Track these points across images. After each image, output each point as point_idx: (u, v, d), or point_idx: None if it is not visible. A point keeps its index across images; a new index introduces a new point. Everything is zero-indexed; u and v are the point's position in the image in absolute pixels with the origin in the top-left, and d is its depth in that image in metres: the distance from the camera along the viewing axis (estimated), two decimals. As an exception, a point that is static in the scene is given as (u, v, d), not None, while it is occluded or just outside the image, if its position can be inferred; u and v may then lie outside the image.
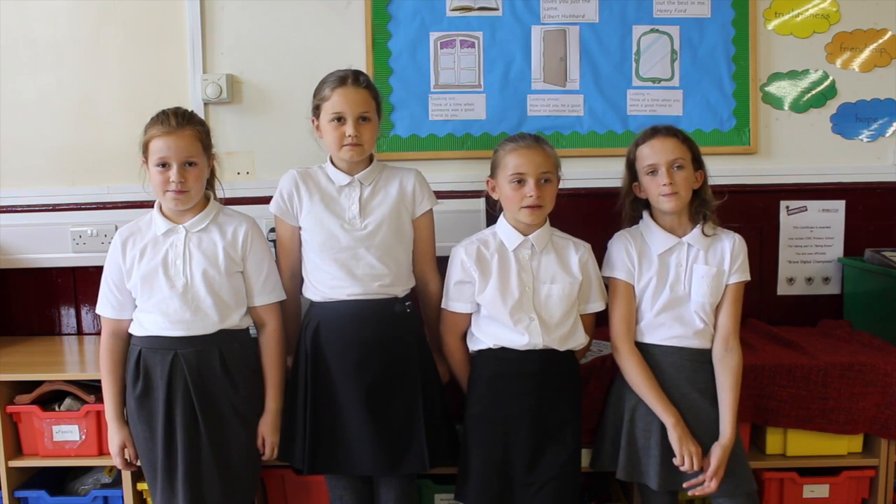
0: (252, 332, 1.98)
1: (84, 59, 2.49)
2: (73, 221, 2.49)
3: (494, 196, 1.94)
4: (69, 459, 2.14)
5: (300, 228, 1.95)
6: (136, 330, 1.87)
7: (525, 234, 1.89)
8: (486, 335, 1.89)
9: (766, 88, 2.52)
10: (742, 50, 2.49)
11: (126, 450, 1.89)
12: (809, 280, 2.56)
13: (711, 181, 1.97)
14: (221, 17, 2.47)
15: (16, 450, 2.15)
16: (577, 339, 1.90)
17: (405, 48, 2.48)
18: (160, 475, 1.83)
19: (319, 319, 1.90)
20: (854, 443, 2.11)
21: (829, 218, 2.54)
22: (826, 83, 2.51)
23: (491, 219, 2.02)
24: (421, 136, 2.51)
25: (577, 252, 1.91)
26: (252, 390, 1.91)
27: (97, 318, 2.21)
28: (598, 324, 2.00)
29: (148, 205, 1.95)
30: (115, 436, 1.89)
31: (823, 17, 2.50)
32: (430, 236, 2.01)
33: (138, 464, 1.91)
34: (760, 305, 2.54)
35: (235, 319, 1.88)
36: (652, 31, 2.49)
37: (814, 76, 2.51)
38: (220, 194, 2.00)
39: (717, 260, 1.91)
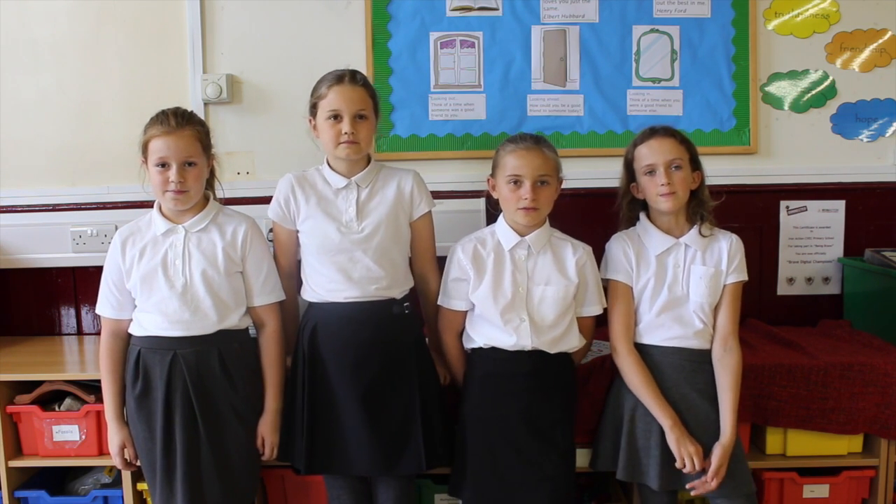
0: (251, 332, 1.98)
1: (84, 59, 2.49)
2: (73, 221, 2.49)
3: (494, 195, 1.94)
4: (69, 459, 2.15)
5: (298, 232, 1.95)
6: (135, 330, 1.87)
7: (522, 235, 1.89)
8: (479, 334, 1.90)
9: (766, 88, 2.52)
10: (742, 50, 2.49)
11: (126, 450, 1.89)
12: (809, 280, 2.56)
13: (711, 181, 1.98)
14: (221, 17, 2.47)
15: (16, 450, 2.15)
16: (570, 343, 1.89)
17: (405, 48, 2.48)
18: (159, 475, 1.83)
19: (317, 320, 1.90)
20: (854, 443, 2.11)
21: (829, 218, 2.54)
22: (826, 83, 2.51)
23: (492, 219, 2.02)
24: (421, 136, 2.51)
25: (574, 254, 1.91)
26: (251, 390, 1.90)
27: (97, 318, 2.21)
28: (598, 324, 2.00)
29: (148, 205, 1.95)
30: (114, 436, 1.89)
31: (823, 17, 2.50)
32: (430, 236, 2.01)
33: (138, 464, 1.91)
34: (760, 305, 2.54)
35: (235, 320, 1.88)
36: (652, 31, 2.49)
37: (814, 76, 2.51)
38: (219, 194, 2.00)
39: (715, 260, 1.91)
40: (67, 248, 2.49)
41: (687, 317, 1.89)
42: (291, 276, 2.00)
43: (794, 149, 2.53)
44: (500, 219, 1.94)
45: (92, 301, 2.15)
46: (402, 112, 2.50)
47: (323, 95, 1.88)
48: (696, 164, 1.92)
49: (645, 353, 1.90)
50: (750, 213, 2.50)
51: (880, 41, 2.51)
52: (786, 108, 2.52)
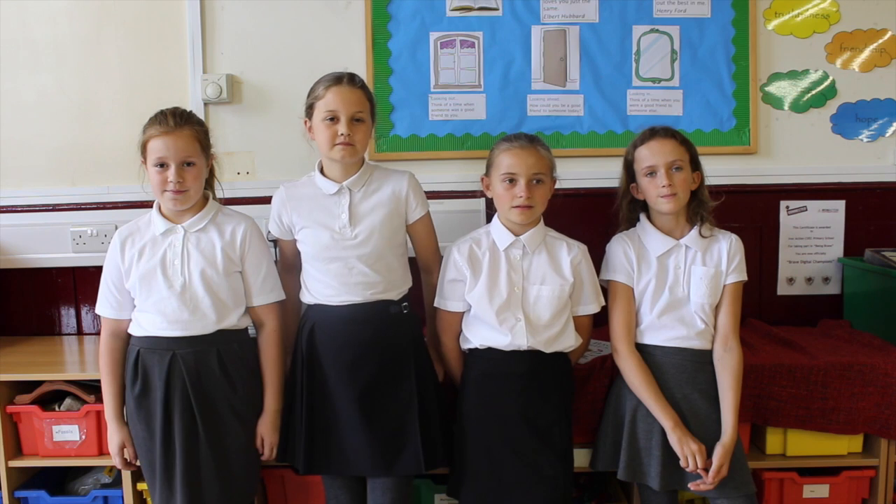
0: (251, 332, 1.98)
1: (84, 59, 2.49)
2: (73, 221, 2.49)
3: (489, 194, 1.94)
4: (69, 459, 2.15)
5: (297, 241, 1.96)
6: (134, 330, 1.87)
7: (517, 234, 1.89)
8: (475, 335, 1.90)
9: (766, 88, 2.51)
10: (742, 50, 2.49)
11: (125, 450, 1.89)
12: (809, 280, 2.56)
13: (711, 181, 1.98)
14: (221, 17, 2.47)
15: (16, 450, 2.15)
16: (567, 342, 1.89)
17: (405, 48, 2.48)
18: (158, 475, 1.83)
19: (315, 321, 1.90)
20: (854, 443, 2.11)
21: (829, 218, 2.54)
22: (826, 83, 2.51)
23: (491, 219, 2.02)
24: (421, 136, 2.51)
25: (569, 253, 1.91)
26: (251, 390, 1.90)
27: (97, 318, 2.21)
28: (599, 324, 2.00)
29: (147, 205, 1.95)
30: (114, 436, 1.89)
31: (823, 17, 2.50)
32: (430, 234, 2.01)
33: (138, 464, 1.91)
34: (760, 305, 2.54)
35: (234, 319, 1.88)
36: (652, 31, 2.49)
37: (814, 76, 2.51)
38: (219, 194, 2.00)
39: (715, 261, 1.91)
40: (67, 248, 2.49)
41: (688, 317, 1.89)
42: (293, 277, 2.00)
43: (794, 149, 2.53)
44: (495, 219, 1.94)
45: (92, 301, 2.15)
46: (402, 112, 2.50)
47: (320, 96, 1.87)
48: (696, 165, 1.93)
49: (647, 353, 1.90)
50: (750, 214, 2.50)
51: (880, 41, 2.51)
52: (786, 108, 2.52)
